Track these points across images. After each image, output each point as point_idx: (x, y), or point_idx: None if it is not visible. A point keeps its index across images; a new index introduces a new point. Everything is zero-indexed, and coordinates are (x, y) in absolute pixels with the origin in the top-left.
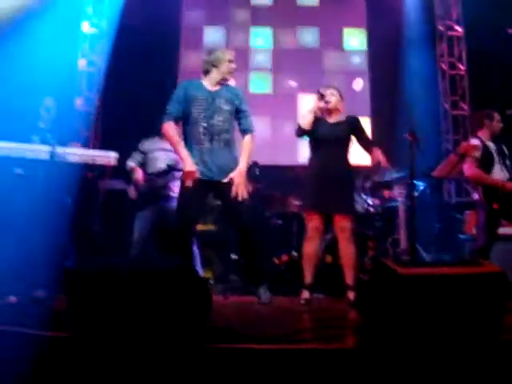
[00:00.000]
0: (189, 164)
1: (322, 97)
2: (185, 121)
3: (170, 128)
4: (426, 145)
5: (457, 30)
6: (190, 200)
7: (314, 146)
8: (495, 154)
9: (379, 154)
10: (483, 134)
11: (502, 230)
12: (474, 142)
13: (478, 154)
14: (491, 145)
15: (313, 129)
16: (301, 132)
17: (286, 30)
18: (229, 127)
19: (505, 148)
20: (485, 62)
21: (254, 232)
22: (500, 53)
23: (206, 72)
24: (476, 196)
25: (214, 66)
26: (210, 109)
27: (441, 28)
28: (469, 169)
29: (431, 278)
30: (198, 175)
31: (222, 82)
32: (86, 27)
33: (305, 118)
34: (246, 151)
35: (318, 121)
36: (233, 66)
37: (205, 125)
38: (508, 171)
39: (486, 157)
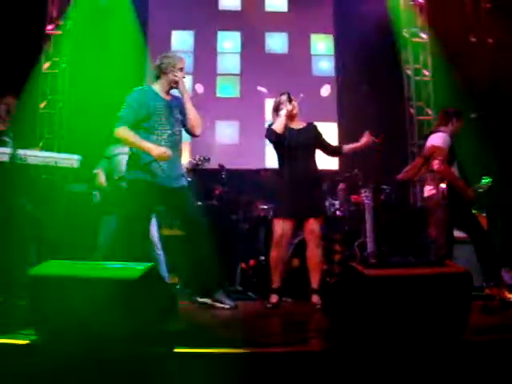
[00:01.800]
0: (155, 147)
1: (290, 100)
2: (142, 129)
3: (125, 130)
4: (392, 149)
5: (422, 37)
6: (141, 206)
7: (283, 153)
8: (453, 153)
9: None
10: (447, 130)
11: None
12: (444, 137)
13: (444, 152)
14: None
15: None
16: (275, 136)
17: (254, 35)
18: (181, 137)
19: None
20: (449, 68)
21: (204, 229)
22: (464, 59)
23: (156, 78)
24: (432, 191)
25: (163, 72)
26: (170, 119)
27: (406, 35)
28: (441, 165)
29: (398, 278)
30: (169, 153)
31: (168, 91)
32: (49, 29)
33: (279, 122)
34: None
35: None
36: (179, 75)
37: (168, 133)
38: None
39: (449, 154)
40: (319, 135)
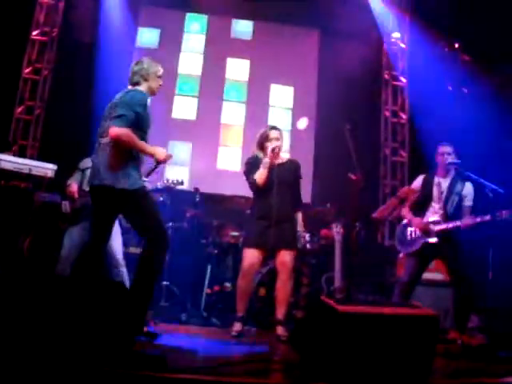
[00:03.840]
0: (160, 151)
1: (273, 151)
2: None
3: (129, 132)
4: (365, 188)
5: (401, 81)
6: None
7: (259, 187)
8: (435, 192)
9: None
10: (437, 169)
11: (433, 276)
12: (418, 179)
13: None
14: (436, 181)
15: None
16: (257, 187)
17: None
18: None
19: (467, 185)
20: (425, 112)
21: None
22: (440, 105)
23: (136, 83)
24: None
25: (145, 79)
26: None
27: (386, 77)
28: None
29: (369, 316)
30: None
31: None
32: (34, 34)
33: (261, 174)
34: None
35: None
36: (161, 82)
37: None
38: (447, 210)
39: (422, 194)
40: (296, 178)
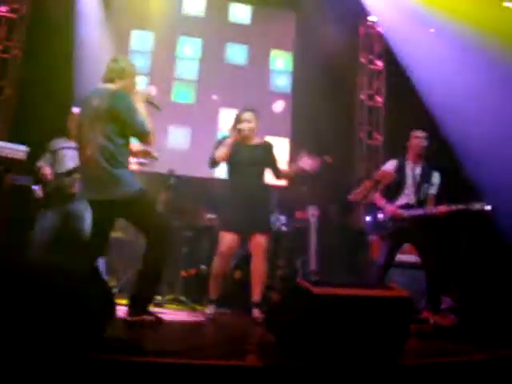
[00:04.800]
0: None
1: (239, 131)
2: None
3: None
4: (340, 170)
5: (377, 64)
6: None
7: (231, 169)
8: (409, 178)
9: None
10: (408, 154)
11: (408, 258)
12: (391, 163)
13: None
14: (409, 166)
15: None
16: (215, 165)
17: (215, 44)
18: None
19: (435, 175)
20: (401, 96)
21: None
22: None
23: (110, 80)
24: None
25: (120, 77)
26: None
27: (363, 60)
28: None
29: (345, 298)
30: None
31: None
32: (2, 11)
33: (221, 152)
34: None
35: (234, 145)
36: (135, 83)
37: None
38: (419, 196)
39: (396, 179)
40: (269, 157)
